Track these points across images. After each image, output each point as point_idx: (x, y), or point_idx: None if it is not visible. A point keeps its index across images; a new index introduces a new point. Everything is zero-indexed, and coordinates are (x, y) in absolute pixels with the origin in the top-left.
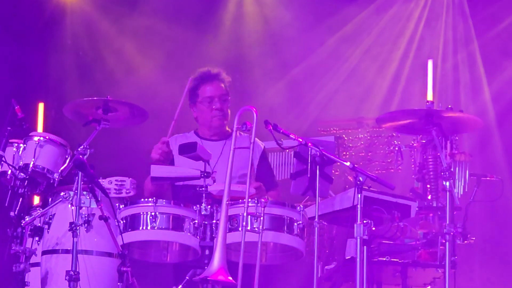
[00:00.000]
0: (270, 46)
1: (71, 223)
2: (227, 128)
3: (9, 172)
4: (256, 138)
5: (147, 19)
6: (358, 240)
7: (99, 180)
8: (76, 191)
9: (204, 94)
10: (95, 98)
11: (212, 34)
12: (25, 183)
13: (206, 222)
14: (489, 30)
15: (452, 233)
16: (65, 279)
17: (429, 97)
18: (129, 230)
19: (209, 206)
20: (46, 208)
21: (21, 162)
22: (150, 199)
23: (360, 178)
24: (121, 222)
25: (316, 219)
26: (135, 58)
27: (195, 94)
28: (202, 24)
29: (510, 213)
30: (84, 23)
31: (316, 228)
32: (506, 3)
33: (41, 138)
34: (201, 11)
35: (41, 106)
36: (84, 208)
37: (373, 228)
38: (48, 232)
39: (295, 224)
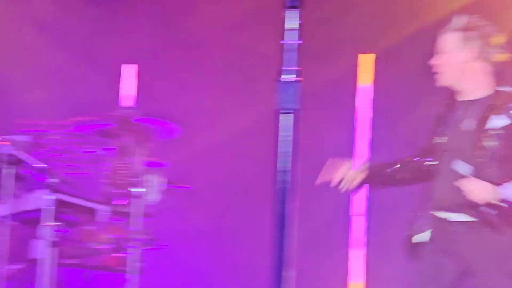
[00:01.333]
0: None
1: None
2: None
3: None
4: None
5: None
6: (44, 241)
7: None
8: None
9: None
10: None
11: None
12: None
13: None
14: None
15: (140, 239)
16: None
17: (125, 102)
18: None
19: None
20: None
21: None
22: None
23: (52, 179)
24: None
25: (4, 218)
26: None
27: None
28: None
29: (198, 222)
30: None
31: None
32: None
33: None
34: None
35: None
36: None
37: (61, 231)
38: None
39: None
